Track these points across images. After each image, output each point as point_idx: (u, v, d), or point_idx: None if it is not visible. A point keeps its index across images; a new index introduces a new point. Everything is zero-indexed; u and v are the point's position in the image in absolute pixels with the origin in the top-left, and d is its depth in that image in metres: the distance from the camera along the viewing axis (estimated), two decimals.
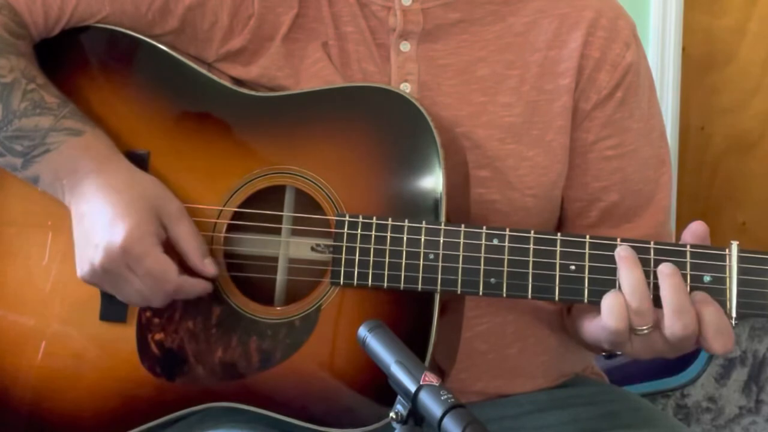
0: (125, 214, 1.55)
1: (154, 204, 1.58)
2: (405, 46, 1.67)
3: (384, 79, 1.66)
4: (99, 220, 1.57)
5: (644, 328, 1.46)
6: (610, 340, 1.48)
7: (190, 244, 1.58)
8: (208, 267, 1.58)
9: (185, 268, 1.58)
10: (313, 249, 1.60)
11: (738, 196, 3.45)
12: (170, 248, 1.58)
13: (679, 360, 2.81)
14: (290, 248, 1.62)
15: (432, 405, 1.20)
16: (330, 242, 1.57)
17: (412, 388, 1.23)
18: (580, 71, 1.67)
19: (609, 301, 1.46)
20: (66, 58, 1.71)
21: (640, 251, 1.48)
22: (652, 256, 1.48)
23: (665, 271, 1.46)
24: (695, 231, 1.49)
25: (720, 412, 3.01)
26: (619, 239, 1.49)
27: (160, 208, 1.58)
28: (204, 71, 1.67)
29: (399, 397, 1.25)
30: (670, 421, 1.77)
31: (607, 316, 1.46)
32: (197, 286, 1.58)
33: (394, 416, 1.25)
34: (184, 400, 1.61)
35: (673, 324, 1.44)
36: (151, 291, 1.56)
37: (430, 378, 1.22)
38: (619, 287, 1.47)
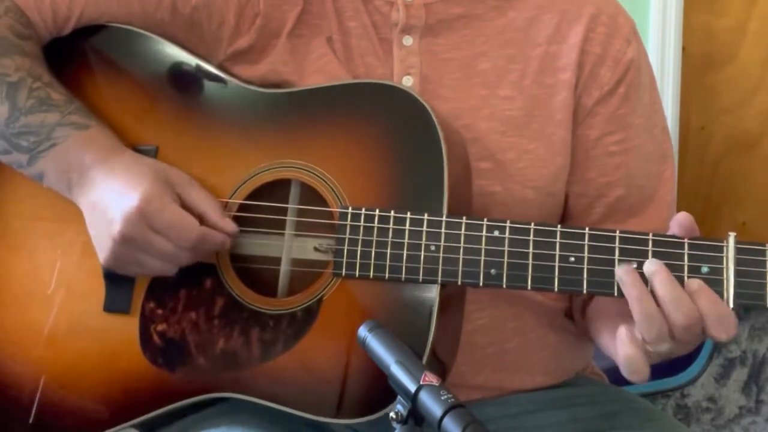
0: (136, 182, 1.57)
1: (162, 174, 1.59)
2: (407, 41, 1.68)
3: (386, 72, 1.67)
4: (111, 198, 1.58)
5: (665, 347, 1.46)
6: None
7: (206, 204, 1.59)
8: (228, 224, 1.59)
9: None
10: (316, 249, 1.60)
11: (738, 196, 3.44)
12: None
13: (679, 360, 2.82)
14: (294, 242, 1.62)
15: (432, 405, 1.21)
16: (333, 240, 1.57)
17: (412, 388, 1.23)
18: (581, 67, 1.68)
19: (629, 358, 1.46)
20: (76, 56, 1.72)
21: (638, 243, 1.49)
22: (650, 247, 1.49)
23: (651, 269, 1.46)
24: (682, 223, 1.49)
25: (720, 412, 3.01)
26: (618, 231, 1.50)
27: (170, 177, 1.60)
28: (212, 68, 1.68)
29: (399, 397, 1.25)
30: (670, 421, 1.78)
31: (628, 373, 1.47)
32: (218, 237, 1.58)
33: (394, 416, 1.26)
34: (185, 391, 1.61)
35: (675, 316, 1.44)
36: (176, 246, 1.56)
37: (430, 378, 1.23)
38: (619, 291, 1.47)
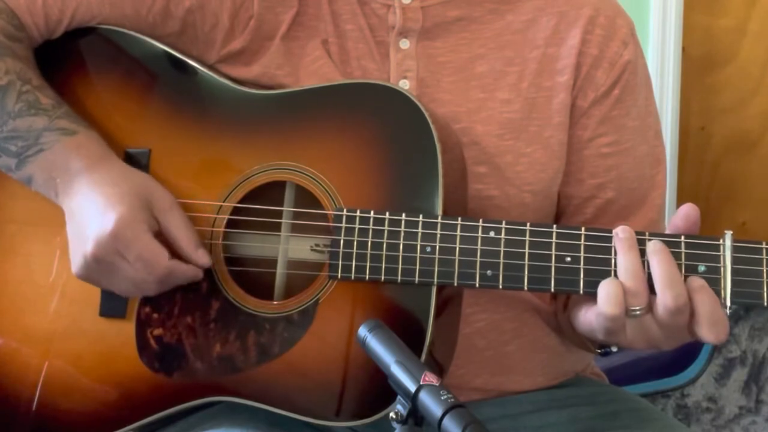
0: (116, 203, 1.56)
1: (145, 196, 1.59)
2: (404, 44, 1.68)
3: (383, 76, 1.67)
4: (90, 213, 1.57)
5: (638, 308, 1.46)
6: (605, 327, 1.48)
7: (182, 234, 1.59)
8: (201, 257, 1.59)
9: (178, 258, 1.59)
10: (312, 249, 1.60)
11: (738, 196, 3.44)
12: (163, 240, 1.58)
13: (679, 360, 2.82)
14: (289, 244, 1.62)
15: (432, 405, 1.20)
16: (328, 240, 1.57)
17: (412, 388, 1.23)
18: (578, 68, 1.67)
19: (606, 288, 1.46)
20: (69, 59, 1.72)
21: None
22: (647, 247, 1.48)
23: (653, 248, 1.47)
24: (688, 214, 1.50)
25: (720, 412, 3.01)
26: (614, 231, 1.49)
27: (152, 201, 1.59)
28: (205, 69, 1.68)
29: (399, 397, 1.25)
30: (670, 421, 1.78)
31: (604, 303, 1.46)
32: (188, 272, 1.58)
33: (394, 416, 1.25)
34: (182, 395, 1.61)
35: (664, 296, 1.44)
36: (143, 277, 1.56)
37: (430, 378, 1.22)
38: (615, 271, 1.47)
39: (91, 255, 1.56)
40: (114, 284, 1.59)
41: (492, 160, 1.65)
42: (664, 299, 1.44)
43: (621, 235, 1.48)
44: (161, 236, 1.58)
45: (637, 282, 1.46)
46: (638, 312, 1.46)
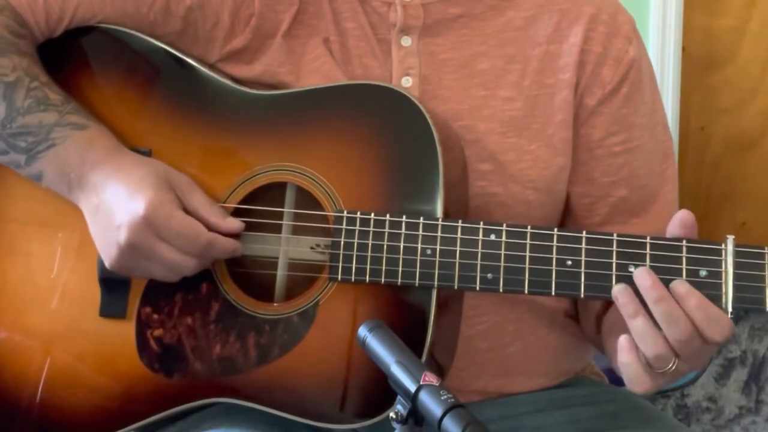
0: (141, 187, 1.56)
1: (165, 177, 1.58)
2: (406, 41, 1.68)
3: (385, 73, 1.67)
4: (116, 202, 1.57)
5: (669, 366, 1.46)
6: (630, 384, 1.49)
7: (208, 209, 1.58)
8: (232, 224, 1.58)
9: None
10: (312, 249, 1.60)
11: (738, 196, 3.45)
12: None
13: None
14: (290, 245, 1.62)
15: (432, 405, 1.20)
16: (329, 241, 1.57)
17: (412, 388, 1.23)
18: (581, 66, 1.67)
19: (626, 365, 1.46)
20: (69, 58, 1.72)
21: (636, 246, 1.49)
22: (648, 251, 1.48)
23: (643, 285, 1.46)
24: (684, 220, 1.49)
25: (720, 412, 3.02)
26: (615, 234, 1.50)
27: (172, 180, 1.59)
28: (205, 69, 1.68)
29: (399, 397, 1.25)
30: (670, 421, 1.78)
31: (629, 383, 1.47)
32: (228, 243, 1.58)
33: (394, 416, 1.25)
34: (182, 396, 1.61)
35: (672, 333, 1.44)
36: (184, 253, 1.55)
37: (430, 378, 1.22)
38: (617, 276, 1.47)
39: (126, 242, 1.55)
40: (150, 270, 1.58)
41: (495, 158, 1.65)
42: (673, 335, 1.44)
43: (620, 300, 1.47)
44: (188, 213, 1.58)
45: (655, 347, 1.44)
46: (672, 368, 1.45)
